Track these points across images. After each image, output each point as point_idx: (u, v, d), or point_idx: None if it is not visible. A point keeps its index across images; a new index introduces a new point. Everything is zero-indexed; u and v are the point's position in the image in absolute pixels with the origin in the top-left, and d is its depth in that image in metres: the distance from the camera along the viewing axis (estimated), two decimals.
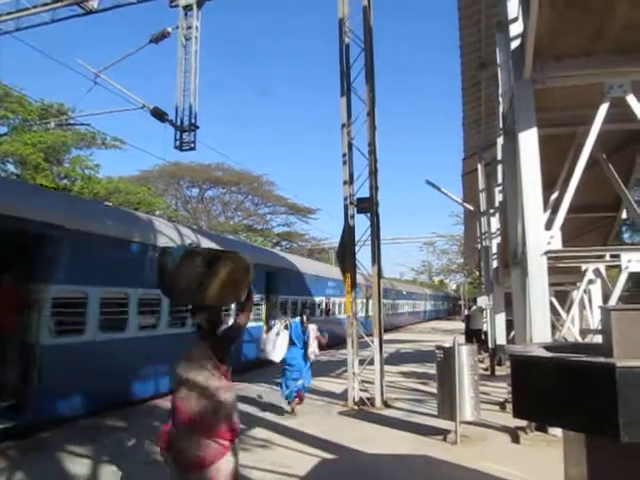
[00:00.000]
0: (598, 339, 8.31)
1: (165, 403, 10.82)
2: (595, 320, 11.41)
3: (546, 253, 7.73)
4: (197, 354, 4.26)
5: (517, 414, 3.46)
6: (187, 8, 14.55)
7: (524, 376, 3.26)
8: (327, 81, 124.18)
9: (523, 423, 7.78)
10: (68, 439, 7.91)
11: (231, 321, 5.25)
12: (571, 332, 10.83)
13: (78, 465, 6.78)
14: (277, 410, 10.05)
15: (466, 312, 27.44)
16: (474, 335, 18.88)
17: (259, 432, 8.44)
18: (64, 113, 25.33)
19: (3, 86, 24.62)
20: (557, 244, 7.92)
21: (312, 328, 10.00)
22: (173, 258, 4.37)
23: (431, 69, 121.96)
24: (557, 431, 7.20)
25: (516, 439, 7.78)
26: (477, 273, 46.71)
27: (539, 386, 3.07)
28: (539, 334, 7.56)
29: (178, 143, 14.95)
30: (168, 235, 12.38)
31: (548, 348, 3.96)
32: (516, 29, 8.32)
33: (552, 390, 2.95)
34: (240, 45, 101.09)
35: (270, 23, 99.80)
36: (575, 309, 10.77)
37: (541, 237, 7.78)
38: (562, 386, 2.88)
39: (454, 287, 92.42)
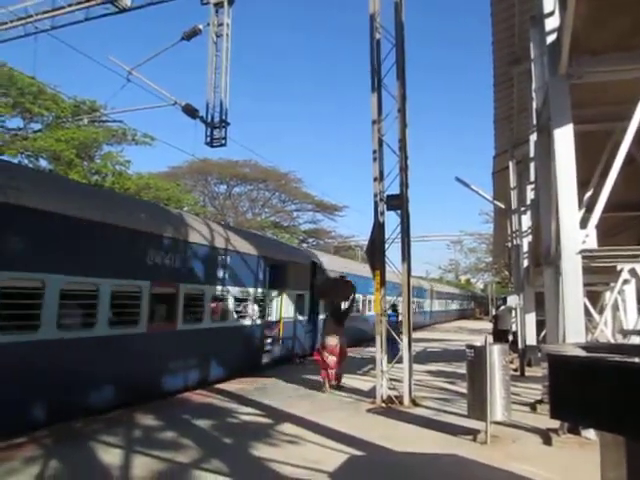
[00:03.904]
0: (635, 340, 8.18)
1: (194, 396, 10.99)
2: (630, 321, 11.16)
3: (581, 252, 7.60)
4: (330, 322, 12.73)
5: (554, 415, 3.39)
6: (218, 5, 14.67)
7: (562, 376, 3.19)
8: (358, 76, 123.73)
9: (555, 424, 7.66)
10: (100, 430, 8.05)
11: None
12: (604, 334, 10.63)
13: (109, 454, 6.90)
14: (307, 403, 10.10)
15: (494, 312, 27.14)
16: (502, 335, 18.67)
17: (289, 428, 8.46)
18: (96, 110, 25.74)
19: (38, 84, 25.11)
20: (592, 243, 7.79)
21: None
22: (319, 281, 16.58)
23: (462, 65, 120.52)
24: (590, 434, 7.09)
25: (548, 441, 7.66)
26: (506, 272, 46.25)
27: (578, 387, 3.01)
28: (573, 335, 7.44)
29: (209, 139, 15.13)
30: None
31: (586, 348, 3.89)
32: (551, 23, 8.18)
33: (592, 391, 2.89)
34: (270, 40, 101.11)
35: (299, 18, 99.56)
36: (609, 310, 10.56)
37: (576, 236, 7.66)
38: (603, 387, 2.82)
39: (481, 286, 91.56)
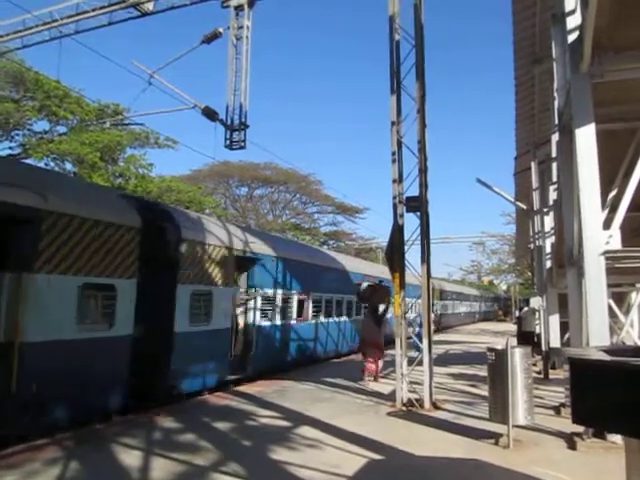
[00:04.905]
0: None
1: (213, 399, 11.03)
2: None
3: (604, 253, 7.45)
4: (368, 320, 15.26)
5: (577, 420, 3.33)
6: (238, 8, 14.74)
7: (585, 380, 3.12)
8: (376, 78, 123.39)
9: (580, 428, 7.51)
10: (120, 432, 8.11)
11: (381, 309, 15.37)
12: (630, 335, 10.43)
13: (129, 456, 6.95)
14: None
15: (517, 314, 26.83)
16: (526, 337, 18.42)
17: (308, 431, 8.43)
18: (120, 113, 26.07)
19: (63, 87, 25.50)
20: (616, 244, 7.64)
21: None
22: (362, 287, 18.04)
23: (482, 65, 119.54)
24: (616, 438, 6.93)
25: (572, 445, 7.51)
26: (529, 274, 45.74)
27: (602, 391, 2.95)
28: (596, 337, 7.30)
29: (228, 142, 15.21)
30: None
31: (609, 352, 3.81)
32: (573, 21, 8.04)
33: (616, 396, 2.83)
34: (289, 41, 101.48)
35: (319, 18, 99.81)
36: (634, 311, 10.38)
37: (599, 236, 7.51)
38: (628, 392, 2.75)
39: (504, 288, 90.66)
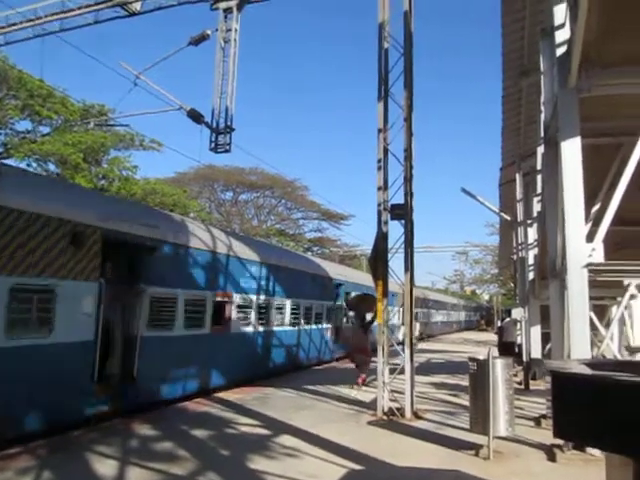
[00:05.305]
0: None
1: (192, 405, 10.89)
2: (636, 337, 11.01)
3: (587, 266, 7.50)
4: (355, 327, 15.86)
5: (558, 434, 3.29)
6: (227, 11, 14.68)
7: (568, 394, 3.08)
8: (364, 85, 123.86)
9: (560, 440, 7.51)
10: (95, 439, 7.96)
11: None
12: (610, 349, 10.48)
13: (104, 465, 6.81)
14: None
15: (499, 324, 26.95)
16: (507, 348, 18.48)
17: (287, 440, 8.34)
18: (104, 114, 25.81)
19: (47, 86, 25.19)
20: (599, 257, 7.69)
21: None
22: (351, 297, 19.53)
23: (471, 75, 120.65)
24: (596, 450, 6.93)
25: (552, 457, 7.51)
26: (511, 284, 46.02)
27: (584, 406, 2.91)
28: (578, 350, 7.33)
29: (213, 145, 15.10)
30: None
31: (591, 365, 3.78)
32: (562, 36, 8.11)
33: (598, 411, 2.79)
34: (276, 47, 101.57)
35: (306, 26, 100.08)
36: (615, 325, 10.43)
37: (582, 249, 7.56)
38: (610, 407, 2.72)
39: (486, 298, 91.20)
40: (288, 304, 17.13)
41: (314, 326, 19.18)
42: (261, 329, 15.35)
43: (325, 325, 20.41)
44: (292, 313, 17.40)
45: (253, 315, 14.79)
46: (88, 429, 8.55)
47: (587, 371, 3.53)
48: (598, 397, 2.83)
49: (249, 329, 14.70)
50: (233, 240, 14.67)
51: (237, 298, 13.90)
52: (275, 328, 16.20)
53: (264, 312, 15.50)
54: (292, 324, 17.45)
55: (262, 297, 15.36)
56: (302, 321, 18.22)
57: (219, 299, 13.08)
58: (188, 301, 11.67)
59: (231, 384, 13.20)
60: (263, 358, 15.66)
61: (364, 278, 22.61)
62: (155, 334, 10.67)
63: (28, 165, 26.88)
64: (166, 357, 11.07)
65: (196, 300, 12.03)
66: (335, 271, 22.88)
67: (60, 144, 26.92)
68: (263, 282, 15.57)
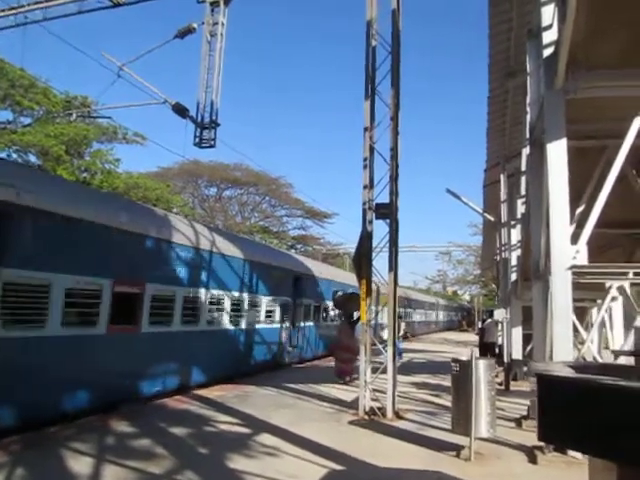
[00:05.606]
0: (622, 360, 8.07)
1: (172, 403, 10.76)
2: (616, 339, 11.08)
3: (571, 268, 7.51)
4: (343, 325, 16.35)
5: (543, 438, 3.25)
6: (214, 4, 14.51)
7: (553, 398, 3.03)
8: (350, 83, 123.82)
9: (541, 442, 7.51)
10: (71, 436, 7.81)
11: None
12: (590, 351, 10.53)
13: (78, 462, 6.67)
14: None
15: (480, 324, 27.07)
16: (488, 348, 18.57)
17: (267, 438, 8.25)
18: (88, 106, 25.37)
19: (29, 76, 24.76)
20: (583, 259, 7.70)
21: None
22: (338, 295, 18.72)
23: (457, 75, 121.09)
24: (577, 453, 6.93)
25: (533, 459, 7.49)
26: (493, 285, 46.33)
27: (570, 410, 2.86)
28: (561, 351, 7.34)
29: (197, 140, 14.91)
30: None
31: (575, 368, 3.74)
32: (549, 37, 8.10)
33: (583, 414, 2.75)
34: (262, 44, 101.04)
35: (293, 23, 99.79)
36: (595, 327, 10.50)
37: (566, 251, 7.57)
38: (595, 411, 2.68)
39: (467, 298, 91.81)
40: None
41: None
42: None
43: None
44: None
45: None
46: (64, 425, 8.38)
47: (572, 374, 3.49)
48: (584, 400, 2.79)
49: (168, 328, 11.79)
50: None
51: (134, 288, 10.67)
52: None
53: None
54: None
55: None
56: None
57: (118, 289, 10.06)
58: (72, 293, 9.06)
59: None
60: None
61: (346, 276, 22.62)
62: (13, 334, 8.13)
63: (8, 156, 26.43)
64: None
65: (83, 291, 9.34)
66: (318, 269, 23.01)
67: (42, 135, 26.49)
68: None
